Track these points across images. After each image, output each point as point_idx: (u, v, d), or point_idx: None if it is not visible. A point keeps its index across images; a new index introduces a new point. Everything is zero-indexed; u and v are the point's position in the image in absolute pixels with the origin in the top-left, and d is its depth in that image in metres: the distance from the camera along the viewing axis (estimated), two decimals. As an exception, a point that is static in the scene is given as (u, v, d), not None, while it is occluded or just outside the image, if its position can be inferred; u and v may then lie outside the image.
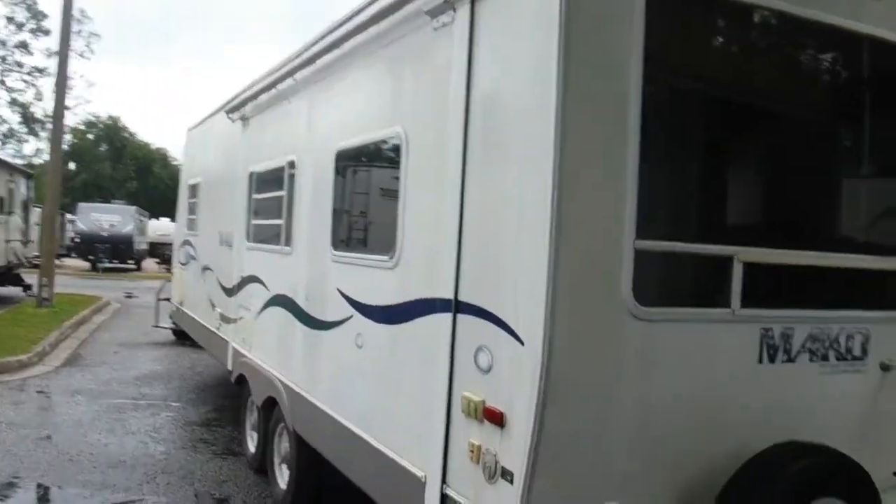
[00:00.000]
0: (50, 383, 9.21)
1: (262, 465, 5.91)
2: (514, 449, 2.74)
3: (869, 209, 3.67)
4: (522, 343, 2.72)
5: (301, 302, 4.97)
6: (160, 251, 34.65)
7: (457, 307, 3.13)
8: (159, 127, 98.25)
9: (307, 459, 4.99)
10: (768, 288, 3.16)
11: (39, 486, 5.71)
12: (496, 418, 2.82)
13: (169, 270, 19.57)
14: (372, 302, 3.94)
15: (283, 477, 5.46)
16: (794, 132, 3.47)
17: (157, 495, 5.51)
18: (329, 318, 4.47)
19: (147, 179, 57.19)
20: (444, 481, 3.15)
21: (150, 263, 35.44)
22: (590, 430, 2.79)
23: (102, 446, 6.66)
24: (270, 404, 5.58)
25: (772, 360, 3.16)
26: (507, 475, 2.76)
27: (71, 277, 24.06)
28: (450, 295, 3.16)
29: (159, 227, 40.78)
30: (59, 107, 16.60)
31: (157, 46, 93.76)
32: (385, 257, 3.77)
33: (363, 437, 3.87)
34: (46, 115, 43.81)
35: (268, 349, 5.69)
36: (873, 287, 3.51)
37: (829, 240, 3.47)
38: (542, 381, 2.61)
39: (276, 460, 5.60)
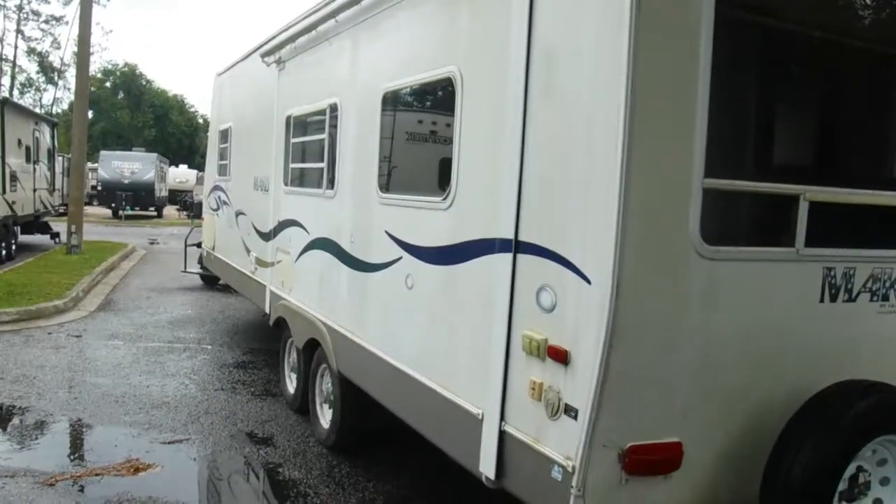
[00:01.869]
0: (87, 327, 9.38)
1: (302, 406, 6.02)
2: (578, 386, 2.76)
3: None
4: (589, 282, 2.72)
5: (345, 244, 4.99)
6: (179, 198, 34.85)
7: (517, 247, 3.13)
8: (176, 73, 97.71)
9: (352, 399, 5.09)
10: (831, 227, 3.13)
11: (88, 426, 5.87)
12: (560, 356, 2.85)
13: (189, 217, 19.69)
14: (423, 243, 3.95)
15: (325, 417, 5.57)
16: (861, 67, 3.39)
17: (202, 435, 5.66)
18: (376, 259, 4.49)
19: (165, 126, 57.18)
20: (502, 418, 3.20)
21: (170, 210, 35.66)
22: (654, 368, 2.81)
23: (144, 388, 6.81)
24: (312, 346, 5.66)
25: (833, 299, 3.16)
26: (570, 411, 2.80)
27: (94, 225, 24.28)
28: (510, 235, 3.15)
29: (178, 175, 41.01)
30: (84, 53, 16.49)
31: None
32: (438, 198, 3.76)
33: (415, 377, 3.92)
34: (64, 64, 43.77)
35: (309, 292, 5.74)
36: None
37: (891, 179, 3.41)
38: (609, 319, 2.62)
39: (318, 400, 5.70)
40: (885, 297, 3.30)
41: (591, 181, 2.73)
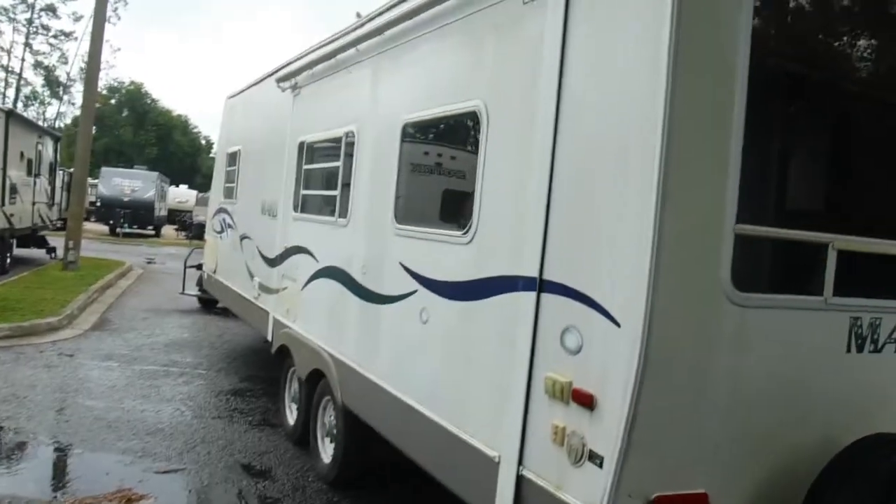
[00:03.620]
0: (81, 347, 9.25)
1: (302, 438, 5.90)
2: (604, 432, 2.68)
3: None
4: (619, 325, 2.66)
5: (356, 275, 4.92)
6: (178, 217, 34.72)
7: (541, 286, 3.07)
8: (181, 94, 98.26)
9: (356, 434, 4.98)
10: (858, 277, 3.08)
11: (79, 451, 5.70)
12: (585, 400, 2.77)
13: (187, 237, 19.59)
14: (440, 277, 3.88)
15: (326, 451, 5.45)
16: (889, 118, 3.37)
17: (198, 465, 5.52)
18: (389, 291, 4.42)
19: (167, 146, 57.27)
20: (520, 463, 3.10)
21: (168, 230, 35.57)
22: (682, 416, 2.74)
23: (139, 412, 6.68)
24: (315, 377, 5.56)
25: (860, 349, 3.11)
26: (595, 458, 2.71)
27: (91, 241, 24.10)
28: (534, 273, 3.09)
29: (178, 194, 40.93)
30: (93, 69, 16.56)
31: (179, 12, 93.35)
32: (458, 232, 3.70)
33: (427, 415, 3.82)
34: (70, 79, 43.90)
35: (315, 321, 5.65)
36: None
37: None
38: (639, 364, 2.56)
39: (320, 434, 5.58)
40: (911, 350, 3.24)
41: (624, 224, 2.68)
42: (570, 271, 2.93)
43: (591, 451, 2.74)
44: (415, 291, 4.12)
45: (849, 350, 3.08)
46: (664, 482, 2.72)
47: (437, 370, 3.87)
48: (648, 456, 2.65)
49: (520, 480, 3.09)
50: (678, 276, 2.62)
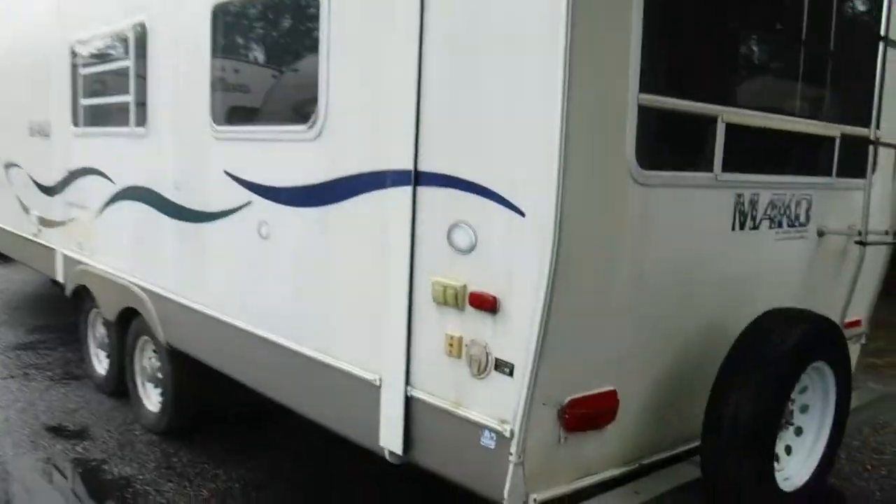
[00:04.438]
0: None
1: (118, 388, 5.13)
2: (513, 337, 2.36)
3: (826, 76, 3.55)
4: (523, 214, 2.30)
5: (167, 192, 4.17)
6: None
7: (417, 179, 2.63)
8: None
9: (186, 375, 4.36)
10: (739, 153, 2.95)
11: None
12: (487, 304, 2.41)
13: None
14: (282, 183, 3.30)
15: (151, 399, 4.75)
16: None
17: (-3, 435, 4.59)
18: (214, 207, 3.76)
19: None
20: (407, 382, 2.72)
21: None
22: (594, 310, 2.49)
23: None
24: (127, 317, 4.79)
25: (742, 226, 3.01)
26: (503, 367, 2.39)
27: None
28: (407, 166, 2.63)
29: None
30: None
31: None
32: (301, 127, 3.13)
33: (283, 344, 3.31)
34: None
35: (119, 253, 4.81)
36: (814, 153, 3.45)
37: (790, 105, 3.32)
38: (552, 256, 2.22)
39: (140, 380, 4.87)
40: (780, 224, 3.22)
41: (525, 100, 2.28)
42: (454, 160, 2.51)
43: (497, 359, 2.41)
44: (248, 203, 3.51)
45: (733, 228, 2.97)
46: (576, 384, 2.48)
47: (288, 290, 3.34)
48: (562, 357, 2.37)
49: (409, 402, 2.72)
50: (587, 156, 2.29)
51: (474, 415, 2.48)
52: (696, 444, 2.98)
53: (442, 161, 2.55)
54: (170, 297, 4.20)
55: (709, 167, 2.81)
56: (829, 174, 3.43)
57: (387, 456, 2.83)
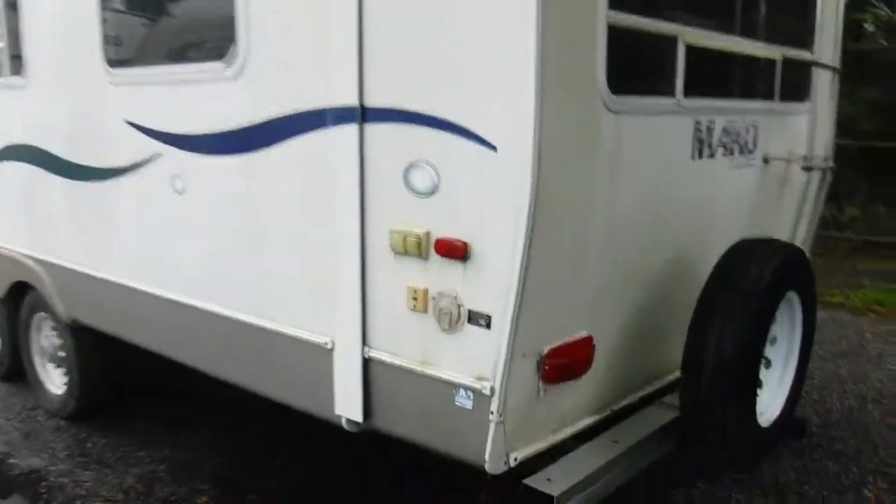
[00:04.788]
0: None
1: (11, 371, 4.62)
2: (488, 285, 2.13)
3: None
4: (494, 148, 2.05)
5: (57, 150, 3.66)
6: None
7: (364, 115, 2.33)
8: None
9: (93, 351, 3.94)
10: (697, 77, 2.80)
11: None
12: (456, 251, 2.16)
13: None
14: (197, 130, 2.91)
15: (53, 380, 4.28)
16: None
17: None
18: (116, 163, 3.31)
19: None
20: (364, 343, 2.45)
21: None
22: (571, 248, 2.30)
23: None
24: (17, 292, 4.27)
25: (700, 154, 2.88)
26: (478, 319, 2.16)
27: None
28: (352, 101, 2.33)
29: None
30: None
31: None
32: (218, 64, 2.75)
33: (213, 311, 2.96)
34: None
35: (3, 222, 4.25)
36: (759, 77, 3.35)
37: (734, 27, 3.18)
38: (532, 193, 2.00)
39: (38, 361, 4.38)
40: (732, 152, 3.11)
41: (493, 13, 2.02)
42: (409, 91, 2.22)
43: (470, 311, 2.18)
44: (158, 155, 3.10)
45: (693, 157, 2.83)
46: (553, 331, 2.29)
47: (211, 250, 2.98)
48: (542, 303, 2.17)
49: (367, 365, 2.46)
50: (562, 79, 2.07)
51: (446, 373, 2.25)
52: (667, 381, 2.91)
53: (393, 94, 2.25)
54: (69, 268, 3.73)
55: (671, 91, 2.64)
56: (772, 98, 3.34)
57: (344, 424, 2.57)
